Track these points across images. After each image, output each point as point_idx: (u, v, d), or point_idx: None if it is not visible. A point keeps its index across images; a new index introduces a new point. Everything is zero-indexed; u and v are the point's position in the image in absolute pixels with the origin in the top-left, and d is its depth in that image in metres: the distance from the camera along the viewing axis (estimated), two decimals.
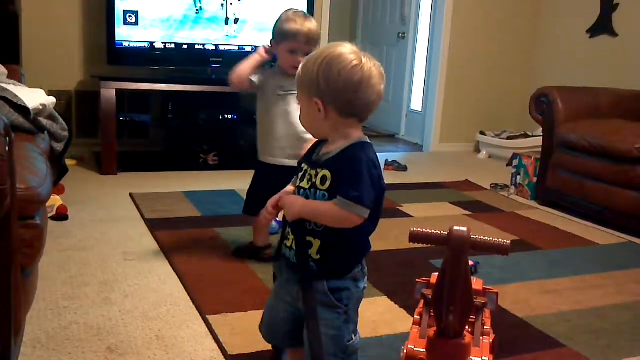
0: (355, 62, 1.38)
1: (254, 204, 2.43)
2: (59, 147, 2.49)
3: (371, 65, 1.40)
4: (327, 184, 1.40)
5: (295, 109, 2.27)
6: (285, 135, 2.46)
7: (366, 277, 1.52)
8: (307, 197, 1.44)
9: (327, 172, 1.41)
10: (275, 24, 2.45)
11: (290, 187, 1.54)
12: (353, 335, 1.50)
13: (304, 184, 1.46)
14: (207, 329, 2.02)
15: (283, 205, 1.46)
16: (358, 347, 1.53)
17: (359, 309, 1.52)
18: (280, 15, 2.45)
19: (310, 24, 2.40)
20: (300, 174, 1.50)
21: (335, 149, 1.43)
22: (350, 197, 1.35)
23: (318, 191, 1.42)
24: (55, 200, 3.09)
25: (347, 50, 1.40)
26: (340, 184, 1.38)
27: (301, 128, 1.59)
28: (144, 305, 2.17)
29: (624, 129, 3.59)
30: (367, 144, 1.44)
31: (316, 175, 1.43)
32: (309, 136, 1.57)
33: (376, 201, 1.41)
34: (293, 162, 2.06)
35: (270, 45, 2.50)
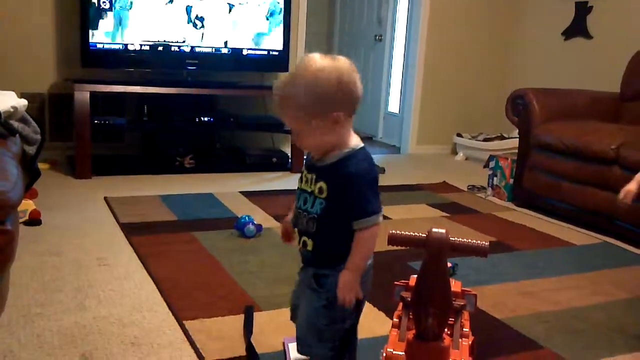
0: (335, 65, 1.44)
1: None
2: (31, 150, 2.43)
3: (345, 62, 1.46)
4: (325, 194, 1.48)
5: None
6: None
7: (369, 270, 1.57)
8: (306, 201, 1.52)
9: (323, 184, 1.48)
10: None
11: (289, 215, 1.62)
12: (333, 325, 1.53)
13: (306, 187, 1.52)
14: (183, 335, 1.99)
15: (344, 294, 1.49)
16: (339, 341, 1.56)
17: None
18: None
19: None
20: (301, 176, 1.56)
21: (330, 158, 1.49)
22: (364, 214, 1.44)
23: (317, 199, 1.49)
24: (28, 205, 3.04)
25: (322, 59, 1.45)
26: (350, 207, 1.45)
27: None
28: (119, 311, 2.14)
29: (599, 130, 3.62)
30: (357, 152, 1.49)
31: (314, 182, 1.50)
32: None
33: None
34: None
35: None
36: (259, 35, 4.59)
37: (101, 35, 4.17)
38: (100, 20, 4.14)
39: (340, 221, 1.47)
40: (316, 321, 1.54)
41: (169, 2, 4.29)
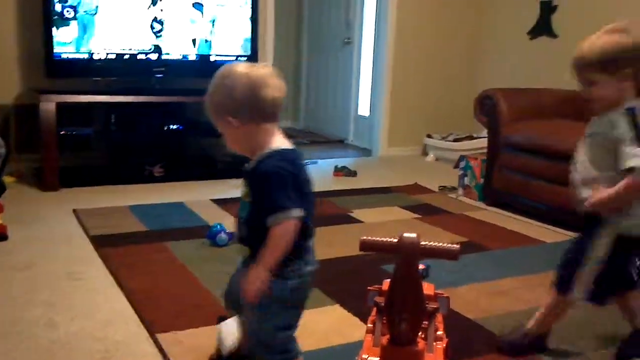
0: (244, 71, 1.51)
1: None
2: None
3: (261, 68, 1.53)
4: (249, 197, 1.54)
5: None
6: None
7: (304, 277, 1.56)
8: (241, 207, 1.57)
9: (247, 188, 1.55)
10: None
11: None
12: (275, 334, 1.55)
13: (242, 193, 1.57)
14: (156, 348, 1.96)
15: (244, 286, 1.51)
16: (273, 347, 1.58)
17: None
18: None
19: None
20: None
21: (252, 162, 1.55)
22: (273, 210, 1.46)
23: (245, 203, 1.55)
24: None
25: (236, 66, 1.54)
26: (261, 205, 1.49)
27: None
28: (90, 326, 2.10)
29: (565, 128, 3.67)
30: (276, 152, 1.52)
31: (243, 188, 1.57)
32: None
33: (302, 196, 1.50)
34: None
35: None
36: (227, 41, 4.56)
37: (65, 45, 4.10)
38: (64, 30, 4.08)
39: (264, 223, 1.48)
40: (253, 331, 1.59)
41: (148, 5, 4.24)
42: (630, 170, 1.73)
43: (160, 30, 4.35)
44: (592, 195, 1.85)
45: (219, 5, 4.50)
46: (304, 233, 1.54)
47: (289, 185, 1.48)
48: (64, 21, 4.07)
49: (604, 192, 1.81)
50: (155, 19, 4.33)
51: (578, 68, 1.85)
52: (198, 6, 4.44)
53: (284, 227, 1.47)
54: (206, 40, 4.50)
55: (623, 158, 1.74)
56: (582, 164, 1.92)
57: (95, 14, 4.15)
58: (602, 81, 1.81)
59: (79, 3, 4.09)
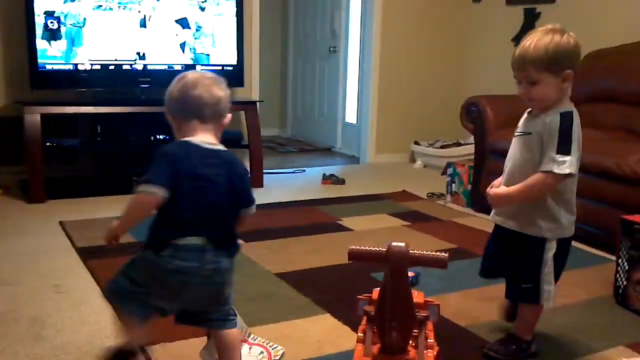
0: (180, 76, 1.68)
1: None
2: None
3: (197, 74, 1.69)
4: None
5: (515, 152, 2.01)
6: None
7: (158, 266, 1.59)
8: None
9: None
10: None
11: None
12: (119, 275, 1.71)
13: None
14: None
15: None
16: None
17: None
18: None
19: None
20: None
21: None
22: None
23: None
24: None
25: (184, 74, 1.69)
26: None
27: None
28: (77, 340, 2.08)
29: None
30: (183, 141, 1.64)
31: None
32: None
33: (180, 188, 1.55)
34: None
35: None
36: (212, 50, 4.56)
37: (50, 56, 4.08)
38: (48, 41, 4.06)
39: None
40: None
41: (133, 16, 4.23)
42: (546, 173, 1.81)
43: (146, 41, 4.34)
44: (492, 190, 1.99)
45: (205, 15, 4.49)
46: (174, 224, 1.57)
47: (161, 164, 1.56)
48: (48, 33, 4.05)
49: (504, 190, 1.94)
50: (140, 30, 4.31)
51: (521, 66, 1.90)
52: (183, 18, 4.43)
53: (133, 198, 1.56)
54: (191, 49, 4.49)
55: (544, 161, 1.82)
56: (509, 161, 1.99)
57: (82, 26, 4.13)
58: (545, 80, 1.85)
59: (65, 15, 4.07)
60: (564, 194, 1.91)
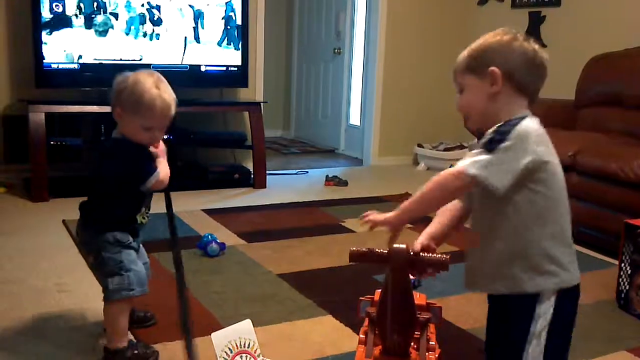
0: (139, 74, 1.99)
1: None
2: None
3: (150, 77, 2.01)
4: None
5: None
6: None
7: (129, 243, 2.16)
8: None
9: None
10: None
11: None
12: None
13: None
14: None
15: None
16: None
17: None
18: None
19: None
20: None
21: None
22: None
23: None
24: None
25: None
26: None
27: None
28: (80, 338, 2.08)
29: (555, 137, 3.64)
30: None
31: None
32: None
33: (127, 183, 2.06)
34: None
35: None
36: (217, 51, 4.56)
37: (55, 55, 4.09)
38: (54, 40, 4.07)
39: None
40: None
41: (139, 15, 4.24)
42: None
43: (151, 40, 4.34)
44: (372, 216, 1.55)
45: (210, 15, 4.50)
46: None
47: (119, 161, 2.07)
48: (52, 31, 4.06)
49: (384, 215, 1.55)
50: (146, 29, 4.32)
51: (453, 75, 1.59)
52: (188, 17, 4.44)
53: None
54: (196, 50, 4.49)
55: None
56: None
57: (88, 28, 4.14)
58: (469, 84, 1.52)
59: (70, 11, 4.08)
60: (547, 223, 1.39)
